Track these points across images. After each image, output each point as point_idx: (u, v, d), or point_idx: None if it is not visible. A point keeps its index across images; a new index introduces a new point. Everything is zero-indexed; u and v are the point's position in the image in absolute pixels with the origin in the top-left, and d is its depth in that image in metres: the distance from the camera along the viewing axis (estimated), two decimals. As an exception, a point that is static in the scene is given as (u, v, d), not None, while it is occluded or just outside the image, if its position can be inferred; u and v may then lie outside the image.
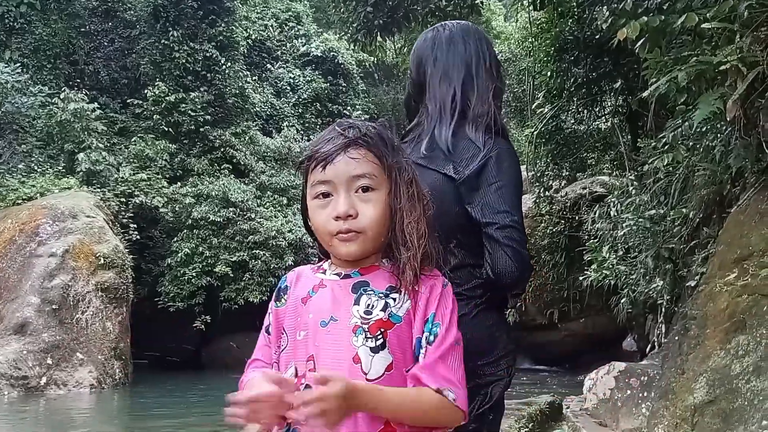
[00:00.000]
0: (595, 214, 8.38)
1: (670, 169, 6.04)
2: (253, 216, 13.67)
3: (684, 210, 6.49)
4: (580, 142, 10.72)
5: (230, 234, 13.47)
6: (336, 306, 1.11)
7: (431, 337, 1.08)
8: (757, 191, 4.46)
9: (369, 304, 1.09)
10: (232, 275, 13.06)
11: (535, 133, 10.34)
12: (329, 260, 1.19)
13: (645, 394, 4.55)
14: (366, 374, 1.07)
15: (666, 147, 5.77)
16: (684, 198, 6.60)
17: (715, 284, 3.97)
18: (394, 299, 1.09)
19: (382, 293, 1.10)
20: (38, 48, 14.41)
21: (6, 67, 12.69)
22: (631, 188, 7.76)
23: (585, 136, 10.77)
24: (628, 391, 4.71)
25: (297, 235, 13.68)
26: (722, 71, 3.90)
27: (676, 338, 3.99)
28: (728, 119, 4.21)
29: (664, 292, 6.55)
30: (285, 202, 14.72)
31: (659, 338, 6.61)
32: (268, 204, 14.38)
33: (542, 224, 11.50)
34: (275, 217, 14.00)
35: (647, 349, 6.74)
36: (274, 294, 1.21)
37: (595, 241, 7.77)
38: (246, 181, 14.65)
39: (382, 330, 1.07)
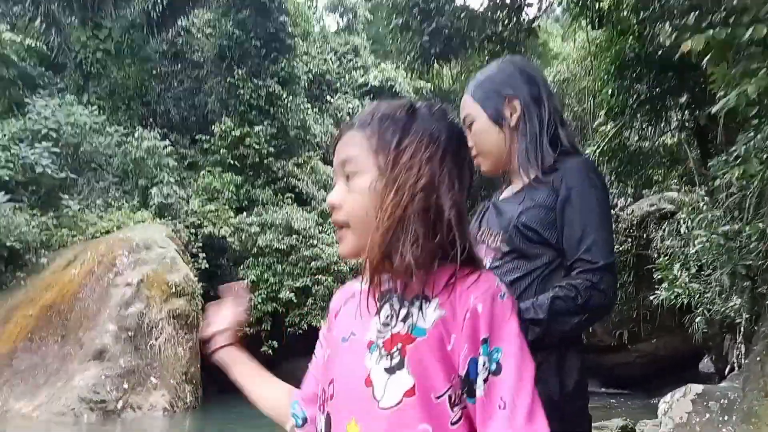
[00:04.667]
0: (664, 231, 8.12)
1: (744, 183, 5.80)
2: (315, 243, 13.92)
3: (761, 225, 6.20)
4: (645, 158, 10.44)
5: (293, 261, 13.74)
6: (358, 319, 0.94)
7: (493, 365, 0.85)
8: (839, 199, 4.23)
9: (389, 315, 0.90)
10: (295, 301, 13.30)
11: (597, 151, 10.14)
12: None
13: (725, 417, 4.32)
14: (378, 401, 0.87)
15: (738, 160, 5.56)
16: (760, 213, 6.32)
17: (798, 298, 3.77)
18: (421, 308, 0.88)
19: (407, 301, 0.89)
20: (113, 91, 15.32)
21: (84, 109, 13.54)
22: (702, 204, 7.49)
23: (650, 153, 10.48)
24: (707, 415, 4.48)
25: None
26: (794, 77, 3.77)
27: (758, 359, 3.80)
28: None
29: (743, 311, 6.24)
30: (347, 229, 14.94)
31: (739, 359, 6.29)
32: (329, 230, 14.62)
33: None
34: (336, 243, 14.16)
35: (726, 371, 6.42)
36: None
37: (666, 258, 7.50)
38: (308, 209, 14.96)
39: (400, 345, 0.87)
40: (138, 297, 10.32)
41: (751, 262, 6.12)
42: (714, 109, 5.03)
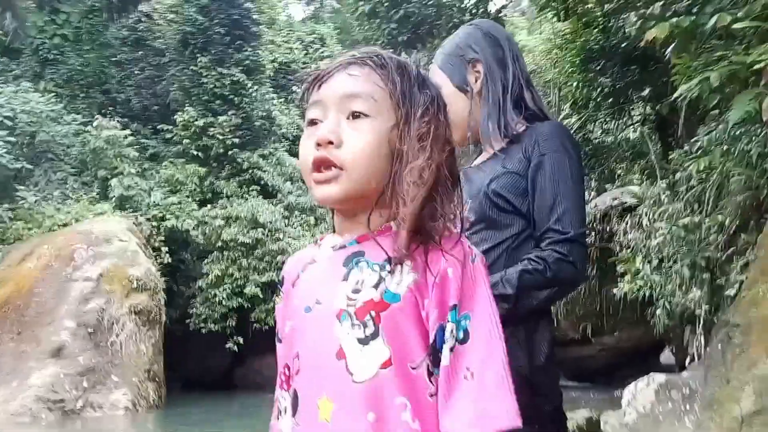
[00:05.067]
0: (626, 224, 8.24)
1: (704, 175, 5.91)
2: (281, 236, 13.77)
3: (720, 217, 6.34)
4: (608, 152, 10.59)
5: (259, 255, 13.57)
6: (322, 286, 0.85)
7: (460, 333, 0.79)
8: (797, 194, 4.33)
9: (359, 280, 0.82)
10: (261, 296, 13.14)
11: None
12: (333, 232, 0.93)
13: (688, 407, 4.40)
14: (352, 374, 0.80)
15: (700, 152, 5.66)
16: (719, 205, 6.45)
17: (758, 290, 3.85)
18: (392, 273, 0.81)
19: (377, 265, 0.82)
20: (71, 78, 14.86)
21: (41, 96, 13.10)
22: (663, 197, 7.62)
23: (613, 147, 10.64)
24: (670, 405, 4.56)
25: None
26: (756, 71, 3.82)
27: (719, 347, 3.86)
28: (764, 120, 4.11)
29: (702, 303, 6.38)
30: (312, 221, 14.80)
31: (698, 350, 6.42)
32: (296, 224, 14.48)
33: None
34: (303, 236, 14.06)
35: (686, 362, 6.55)
36: (277, 292, 0.99)
37: (628, 251, 7.62)
38: (274, 202, 14.79)
39: (373, 313, 0.80)
40: (98, 292, 10.05)
41: (710, 254, 6.26)
42: (676, 95, 5.08)
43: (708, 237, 6.41)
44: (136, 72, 16.68)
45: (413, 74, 0.88)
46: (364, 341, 0.80)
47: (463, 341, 0.80)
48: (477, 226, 1.32)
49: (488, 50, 1.45)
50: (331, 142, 0.83)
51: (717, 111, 5.55)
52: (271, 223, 13.79)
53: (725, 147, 5.46)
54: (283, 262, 1.00)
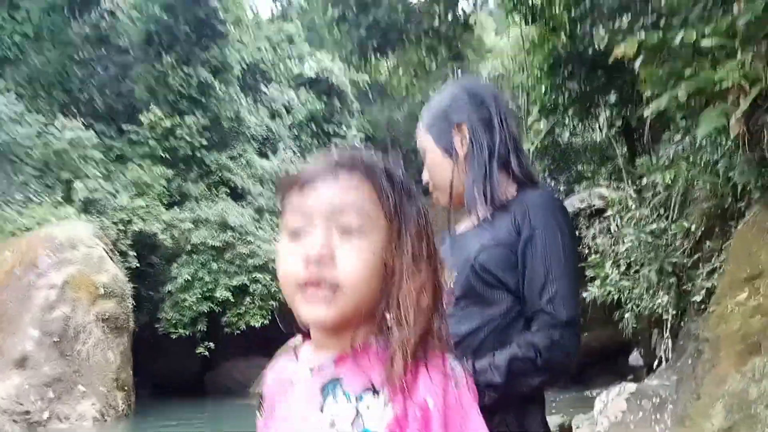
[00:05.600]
0: (595, 229, 8.37)
1: (670, 182, 6.03)
2: (251, 239, 13.65)
3: (685, 223, 6.48)
4: (576, 155, 10.75)
5: (229, 258, 13.43)
6: (300, 417, 0.80)
7: None
8: (763, 207, 4.45)
9: (334, 413, 0.77)
10: (233, 300, 13.03)
11: (532, 148, 10.36)
12: (308, 340, 0.87)
13: (658, 416, 4.50)
14: None
15: (666, 163, 5.78)
16: (684, 211, 6.60)
17: (726, 305, 3.94)
18: (368, 406, 0.76)
19: (354, 397, 0.78)
20: (32, 77, 14.45)
21: (1, 97, 12.70)
22: (630, 202, 7.76)
23: (581, 150, 10.80)
24: (641, 413, 4.66)
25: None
26: (723, 88, 3.91)
27: (689, 361, 3.95)
28: (732, 136, 4.21)
29: (669, 307, 6.51)
30: (283, 224, 14.71)
31: (666, 353, 6.57)
32: (266, 227, 14.37)
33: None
34: (274, 240, 13.98)
35: (654, 364, 6.69)
36: (258, 403, 0.93)
37: (598, 256, 7.74)
38: (243, 205, 14.65)
39: None
40: (63, 299, 9.80)
41: (676, 259, 6.40)
42: (646, 113, 5.17)
43: (674, 243, 6.56)
44: (99, 71, 16.28)
45: (399, 182, 0.82)
46: None
47: None
48: (463, 301, 1.25)
49: (474, 113, 1.38)
50: (323, 259, 0.76)
51: (684, 121, 5.68)
52: (241, 226, 13.66)
53: (691, 159, 5.59)
54: (264, 374, 0.94)
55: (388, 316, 0.78)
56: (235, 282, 13.12)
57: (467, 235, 1.34)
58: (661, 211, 7.03)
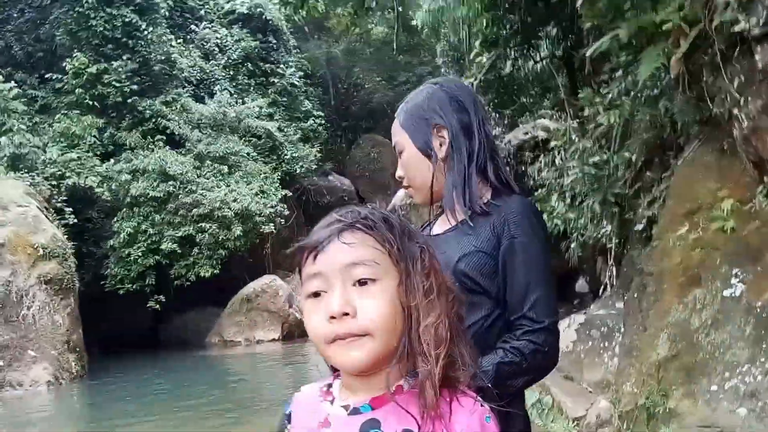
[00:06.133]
0: (541, 163, 8.52)
1: (614, 121, 6.15)
2: (194, 188, 13.28)
3: (626, 154, 6.66)
4: (519, 88, 10.78)
5: (172, 209, 13.07)
6: None
7: None
8: (701, 143, 4.60)
9: None
10: (180, 251, 12.76)
11: (475, 83, 10.33)
12: (339, 378, 0.94)
13: (606, 344, 4.76)
14: None
15: (609, 103, 5.86)
16: (626, 143, 6.77)
17: (668, 239, 4.12)
18: None
19: None
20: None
21: None
22: (573, 135, 7.90)
23: (524, 82, 10.83)
24: (590, 343, 4.91)
25: (243, 204, 13.40)
26: (665, 30, 3.95)
27: (635, 295, 4.14)
28: (672, 76, 4.29)
29: (613, 236, 6.77)
30: (226, 170, 14.33)
31: (610, 280, 6.88)
32: (208, 174, 13.97)
33: (488, 173, 11.61)
34: (217, 187, 13.63)
35: (600, 291, 7.01)
36: (279, 421, 0.99)
37: (543, 190, 7.92)
38: (183, 152, 14.15)
39: None
40: (1, 263, 9.39)
41: (618, 190, 6.61)
42: (588, 53, 5.20)
43: (616, 174, 6.75)
44: (15, 15, 15.04)
45: (398, 227, 0.90)
46: None
47: None
48: None
49: (454, 116, 1.40)
50: (346, 314, 0.84)
51: (624, 58, 5.74)
52: (181, 174, 13.23)
53: (633, 93, 5.68)
54: (292, 397, 1.00)
55: (410, 354, 0.85)
56: (180, 233, 12.81)
57: (446, 238, 1.35)
58: (603, 142, 7.18)
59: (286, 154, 16.34)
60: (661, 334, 3.64)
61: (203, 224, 12.92)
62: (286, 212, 14.85)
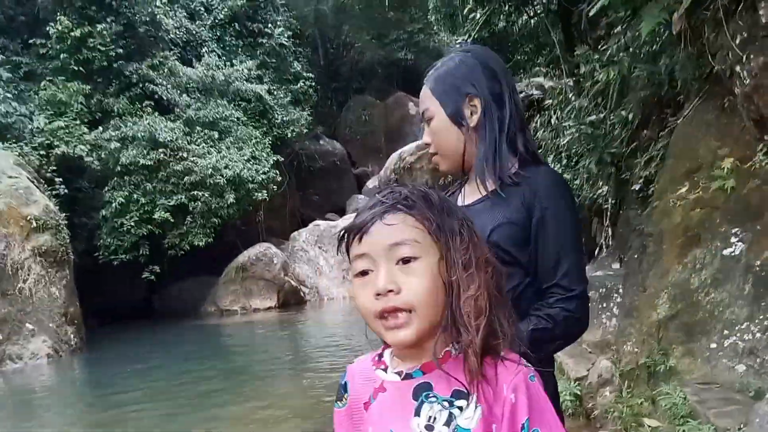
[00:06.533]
0: (536, 123, 8.45)
1: (612, 78, 6.05)
2: (185, 155, 13.11)
3: (623, 113, 6.60)
4: (514, 45, 10.62)
5: (164, 177, 12.93)
6: (395, 418, 0.93)
7: None
8: (702, 101, 4.54)
9: (431, 417, 0.90)
10: (172, 220, 12.66)
11: (469, 40, 10.16)
12: (389, 349, 1.00)
13: (604, 305, 4.78)
14: None
15: (607, 59, 5.76)
16: (623, 101, 6.69)
17: (669, 199, 4.10)
18: (461, 408, 0.89)
19: (446, 400, 0.91)
20: None
21: None
22: (570, 94, 7.80)
23: (518, 39, 10.65)
24: (589, 304, 4.93)
25: (235, 170, 13.28)
26: (667, -16, 3.85)
27: (635, 256, 4.14)
28: (674, 32, 4.20)
29: (609, 196, 6.74)
30: (216, 136, 14.14)
31: (606, 240, 6.89)
32: (199, 140, 13.79)
33: (482, 134, 11.54)
34: (208, 153, 13.47)
35: (596, 251, 7.03)
36: (337, 392, 1.06)
37: (540, 151, 7.85)
38: (172, 118, 13.92)
39: None
40: (-7, 236, 9.31)
41: (615, 149, 6.56)
42: (591, 12, 5.08)
43: (613, 133, 6.70)
44: (-9, -21, 14.58)
45: (438, 204, 0.95)
46: None
47: None
48: None
49: (486, 86, 1.40)
50: (391, 290, 0.90)
51: (624, 13, 5.61)
52: (172, 141, 13.04)
53: (632, 50, 5.58)
54: (345, 368, 1.07)
55: (454, 325, 0.91)
56: (173, 202, 12.69)
57: (478, 209, 1.37)
58: (599, 100, 7.10)
59: (276, 118, 16.14)
60: (661, 294, 3.65)
61: (196, 192, 12.80)
62: (279, 178, 14.74)
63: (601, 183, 6.86)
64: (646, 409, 3.10)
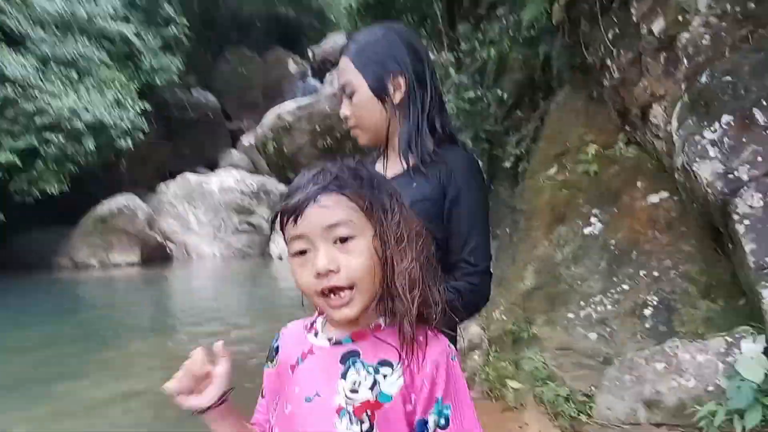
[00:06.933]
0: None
1: (493, 58, 6.31)
2: (37, 94, 11.85)
3: (499, 92, 6.93)
4: (398, 14, 10.67)
5: (12, 116, 11.62)
6: (322, 380, 0.98)
7: (441, 420, 0.94)
8: (572, 89, 4.88)
9: (356, 381, 0.96)
10: (21, 164, 11.44)
11: (354, 6, 10.09)
12: (321, 316, 1.05)
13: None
14: None
15: (489, 39, 5.98)
16: (499, 80, 7.02)
17: (539, 179, 4.40)
18: (385, 375, 0.96)
19: (372, 367, 0.96)
20: None
21: None
22: (451, 68, 8.02)
23: (402, 7, 10.72)
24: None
25: (96, 115, 12.23)
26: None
27: (507, 230, 4.41)
28: (554, 22, 4.46)
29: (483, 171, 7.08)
30: (75, 76, 12.90)
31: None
32: (54, 79, 12.50)
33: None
34: (65, 94, 12.27)
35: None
36: (268, 353, 1.09)
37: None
38: (23, 52, 12.48)
39: (369, 412, 0.94)
40: None
41: (489, 127, 6.90)
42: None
43: (488, 110, 7.02)
44: None
45: (368, 180, 0.98)
46: None
47: (443, 427, 0.95)
48: None
49: (411, 66, 1.43)
50: (331, 270, 0.93)
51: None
52: (22, 78, 11.72)
53: (510, 32, 5.84)
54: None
55: (388, 298, 0.95)
56: (21, 144, 11.46)
57: (399, 183, 1.38)
58: (477, 78, 7.39)
59: (144, 63, 15.03)
60: (528, 267, 3.94)
61: (49, 135, 11.64)
62: (146, 127, 13.82)
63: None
64: (510, 372, 3.35)
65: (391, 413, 0.94)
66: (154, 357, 5.74)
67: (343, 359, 0.98)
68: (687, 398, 2.56)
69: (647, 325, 3.28)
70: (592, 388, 2.89)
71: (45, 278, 11.44)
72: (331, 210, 0.94)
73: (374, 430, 0.94)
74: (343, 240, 0.94)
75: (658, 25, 3.73)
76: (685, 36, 3.65)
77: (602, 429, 2.62)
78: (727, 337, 2.64)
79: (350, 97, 1.45)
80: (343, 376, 0.96)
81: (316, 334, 1.03)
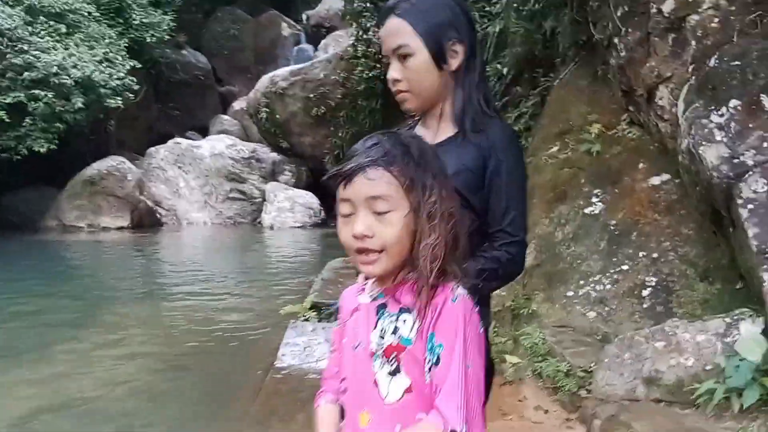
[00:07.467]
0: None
1: (498, 31, 6.25)
2: (25, 47, 11.53)
3: (499, 66, 6.89)
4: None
5: (0, 70, 11.33)
6: (363, 330, 1.17)
7: (434, 358, 1.06)
8: (577, 66, 4.87)
9: (383, 329, 1.13)
10: (8, 120, 11.19)
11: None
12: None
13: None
14: (384, 398, 1.12)
15: (494, 12, 5.93)
16: (500, 54, 6.97)
17: (541, 157, 4.42)
18: (405, 321, 1.11)
19: (394, 316, 1.13)
20: None
21: None
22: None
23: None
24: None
25: (85, 72, 11.94)
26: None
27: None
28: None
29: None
30: (64, 30, 12.56)
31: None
32: (42, 32, 12.16)
33: (358, 68, 11.45)
34: (54, 49, 11.96)
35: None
36: (334, 314, 1.28)
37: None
38: (11, 3, 12.12)
39: (395, 354, 1.11)
40: None
41: (488, 101, 6.87)
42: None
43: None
44: None
45: (416, 157, 1.10)
46: (391, 374, 1.11)
47: (436, 364, 1.06)
48: None
49: (469, 34, 1.44)
50: (366, 236, 1.08)
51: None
52: (10, 30, 11.38)
53: (517, 5, 5.78)
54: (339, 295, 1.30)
55: (415, 261, 1.09)
56: (9, 99, 11.17)
57: (447, 148, 1.43)
58: (477, 50, 7.31)
59: (134, 19, 14.66)
60: (529, 245, 3.97)
61: (37, 91, 11.36)
62: (135, 87, 13.55)
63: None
64: (509, 347, 3.42)
65: (412, 354, 1.09)
66: (149, 320, 5.75)
67: (378, 311, 1.15)
68: (686, 376, 2.63)
69: (645, 306, 3.35)
70: (593, 364, 2.96)
71: (33, 239, 11.31)
72: (375, 183, 1.07)
73: (401, 369, 1.10)
74: (382, 212, 1.08)
75: (668, 5, 3.72)
76: (694, 18, 3.65)
77: (601, 404, 2.69)
78: (726, 319, 2.71)
79: (403, 59, 1.42)
80: (376, 325, 1.14)
81: (364, 293, 1.20)
